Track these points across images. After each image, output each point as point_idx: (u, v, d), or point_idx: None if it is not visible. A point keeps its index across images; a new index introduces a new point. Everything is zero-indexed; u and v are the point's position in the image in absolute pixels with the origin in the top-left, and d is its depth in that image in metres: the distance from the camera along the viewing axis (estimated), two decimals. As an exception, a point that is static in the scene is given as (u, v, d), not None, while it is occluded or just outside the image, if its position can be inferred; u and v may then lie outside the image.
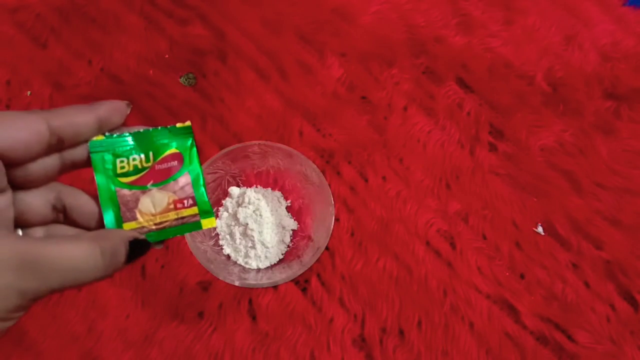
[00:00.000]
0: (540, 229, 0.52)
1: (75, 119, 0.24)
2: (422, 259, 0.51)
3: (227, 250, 0.48)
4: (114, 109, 0.25)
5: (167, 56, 0.57)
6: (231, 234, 0.48)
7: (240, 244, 0.48)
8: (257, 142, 0.48)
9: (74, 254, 0.21)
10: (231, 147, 0.47)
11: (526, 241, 0.52)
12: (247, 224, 0.47)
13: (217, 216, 0.50)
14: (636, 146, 0.56)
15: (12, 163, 0.22)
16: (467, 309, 0.49)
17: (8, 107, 0.54)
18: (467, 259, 0.51)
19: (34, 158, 0.23)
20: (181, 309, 0.48)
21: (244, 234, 0.48)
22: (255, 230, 0.47)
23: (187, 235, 0.45)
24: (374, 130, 0.55)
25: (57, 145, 0.24)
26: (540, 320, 0.49)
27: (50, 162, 0.24)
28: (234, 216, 0.48)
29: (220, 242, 0.49)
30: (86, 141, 0.26)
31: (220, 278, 0.44)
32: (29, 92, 0.55)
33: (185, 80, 0.56)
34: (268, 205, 0.49)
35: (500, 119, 0.56)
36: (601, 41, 0.60)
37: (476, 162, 0.54)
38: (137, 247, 0.24)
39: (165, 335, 0.48)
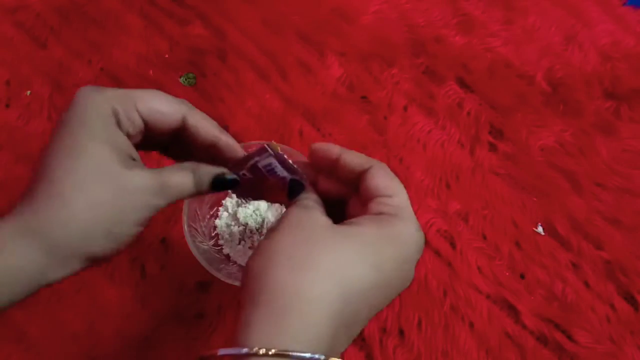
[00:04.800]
0: (540, 229, 0.52)
1: (204, 125, 0.33)
2: (422, 259, 0.51)
3: (227, 250, 0.48)
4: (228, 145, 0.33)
5: (167, 56, 0.57)
6: (231, 234, 0.48)
7: (240, 244, 0.48)
8: (257, 142, 0.48)
9: (181, 180, 0.29)
10: (231, 147, 0.47)
11: (526, 241, 0.52)
12: (247, 224, 0.47)
13: (217, 216, 0.50)
14: (636, 146, 0.56)
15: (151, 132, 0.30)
16: (467, 309, 0.49)
17: (8, 107, 0.54)
18: (467, 259, 0.51)
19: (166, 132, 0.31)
20: (181, 309, 0.48)
21: (244, 234, 0.48)
22: (255, 231, 0.47)
23: (187, 235, 0.45)
24: (374, 130, 0.55)
25: (179, 131, 0.31)
26: (540, 320, 0.49)
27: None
28: (234, 216, 0.48)
29: (220, 242, 0.49)
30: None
31: (220, 278, 0.44)
32: (28, 92, 0.55)
33: (185, 80, 0.56)
34: (268, 206, 0.49)
35: (500, 119, 0.56)
36: (601, 41, 0.60)
37: (476, 162, 0.54)
38: (220, 182, 0.31)
39: (165, 335, 0.48)
